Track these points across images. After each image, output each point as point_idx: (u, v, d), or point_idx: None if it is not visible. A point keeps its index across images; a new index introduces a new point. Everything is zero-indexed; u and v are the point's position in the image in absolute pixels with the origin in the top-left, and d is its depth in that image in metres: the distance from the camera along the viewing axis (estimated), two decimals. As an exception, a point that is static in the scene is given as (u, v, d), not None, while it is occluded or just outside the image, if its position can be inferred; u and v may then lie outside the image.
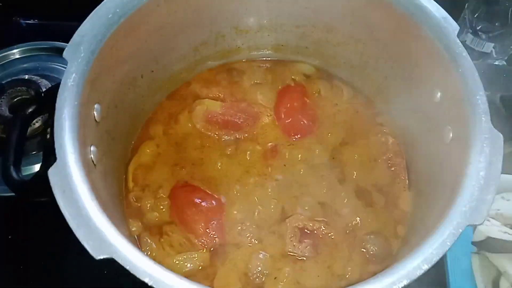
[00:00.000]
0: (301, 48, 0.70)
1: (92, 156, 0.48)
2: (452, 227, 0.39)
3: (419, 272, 0.37)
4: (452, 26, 0.50)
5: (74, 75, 0.46)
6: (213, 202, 0.59)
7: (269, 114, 0.67)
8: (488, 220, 0.72)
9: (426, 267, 0.38)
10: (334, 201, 0.60)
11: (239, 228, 0.58)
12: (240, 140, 0.65)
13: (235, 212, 0.59)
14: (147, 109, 0.66)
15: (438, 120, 0.53)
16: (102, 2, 0.50)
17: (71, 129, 0.44)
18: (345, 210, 0.59)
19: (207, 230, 0.57)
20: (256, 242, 0.57)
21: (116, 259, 0.38)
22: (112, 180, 0.56)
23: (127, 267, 0.38)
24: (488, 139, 0.43)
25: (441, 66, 0.50)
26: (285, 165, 0.63)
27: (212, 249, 0.57)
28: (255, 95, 0.69)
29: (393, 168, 0.63)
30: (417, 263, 0.38)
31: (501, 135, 0.43)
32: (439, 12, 0.51)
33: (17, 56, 0.88)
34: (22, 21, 0.97)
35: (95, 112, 0.50)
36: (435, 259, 0.38)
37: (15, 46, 0.88)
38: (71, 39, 0.48)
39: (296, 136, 0.65)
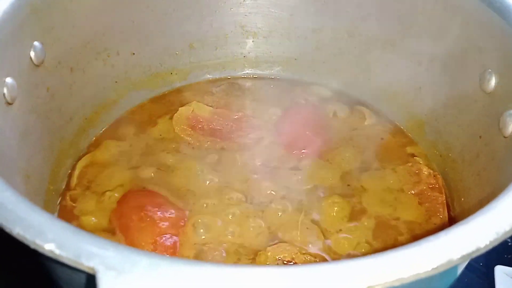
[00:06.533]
0: (317, 63, 0.58)
1: (5, 90, 0.35)
2: None
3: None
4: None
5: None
6: (172, 212, 0.43)
7: (269, 129, 0.53)
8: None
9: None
10: (339, 234, 0.42)
11: (200, 249, 0.41)
12: (226, 151, 0.50)
13: (200, 229, 0.42)
14: (121, 103, 0.54)
15: (494, 112, 0.37)
16: None
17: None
18: (356, 247, 0.41)
19: (154, 244, 0.40)
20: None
21: None
22: (37, 158, 0.42)
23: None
24: None
25: (495, 34, 0.37)
26: (281, 185, 0.47)
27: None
28: (256, 109, 0.56)
29: (426, 204, 0.45)
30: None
31: None
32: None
33: None
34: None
35: (32, 51, 0.39)
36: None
37: None
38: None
39: (299, 153, 0.50)
